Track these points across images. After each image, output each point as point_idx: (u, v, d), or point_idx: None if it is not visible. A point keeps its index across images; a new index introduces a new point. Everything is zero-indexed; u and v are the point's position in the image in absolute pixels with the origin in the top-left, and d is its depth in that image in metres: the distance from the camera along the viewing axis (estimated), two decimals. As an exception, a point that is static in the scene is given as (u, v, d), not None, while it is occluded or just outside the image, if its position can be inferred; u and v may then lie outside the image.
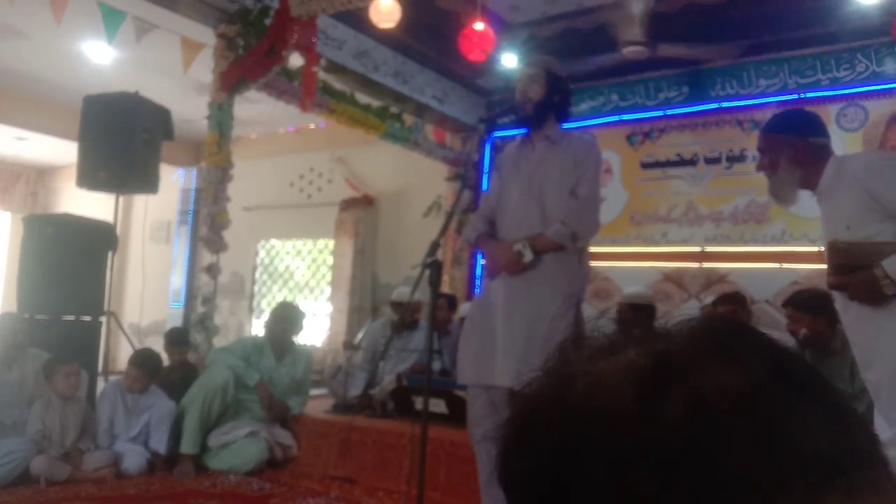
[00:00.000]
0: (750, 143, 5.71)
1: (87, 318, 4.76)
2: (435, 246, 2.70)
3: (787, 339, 3.45)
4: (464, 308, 5.13)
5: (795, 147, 2.38)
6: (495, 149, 6.67)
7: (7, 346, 4.08)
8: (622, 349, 0.44)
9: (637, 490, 0.38)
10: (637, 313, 4.67)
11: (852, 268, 2.23)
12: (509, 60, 5.81)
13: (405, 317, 4.93)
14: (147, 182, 5.09)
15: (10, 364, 4.09)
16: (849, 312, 2.31)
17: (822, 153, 2.39)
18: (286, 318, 4.79)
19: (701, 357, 0.41)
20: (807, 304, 3.54)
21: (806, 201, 2.53)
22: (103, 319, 4.93)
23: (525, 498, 0.44)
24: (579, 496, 0.40)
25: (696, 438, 0.38)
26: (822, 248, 2.42)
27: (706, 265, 5.76)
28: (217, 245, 5.08)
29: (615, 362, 0.43)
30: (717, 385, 0.39)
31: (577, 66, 5.26)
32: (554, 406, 0.43)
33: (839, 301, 2.36)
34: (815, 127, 2.46)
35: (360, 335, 5.52)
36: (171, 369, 4.81)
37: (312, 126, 8.21)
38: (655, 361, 0.42)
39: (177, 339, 5.05)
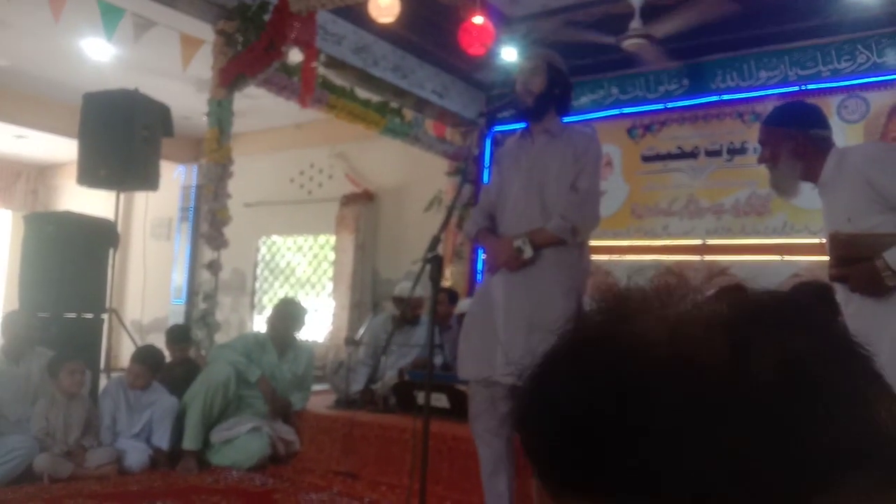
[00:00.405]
0: (751, 135, 5.70)
1: (89, 316, 4.76)
2: (435, 241, 2.69)
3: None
4: (463, 304, 5.12)
5: (796, 139, 2.38)
6: (496, 143, 6.66)
7: (17, 342, 4.11)
8: (684, 299, 0.42)
9: (720, 442, 0.36)
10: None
11: (854, 259, 2.23)
12: (509, 54, 5.80)
13: (406, 312, 4.93)
14: (147, 179, 5.09)
15: (18, 360, 4.11)
16: (850, 305, 2.31)
17: (823, 145, 2.39)
18: (288, 314, 4.79)
19: (789, 319, 0.41)
20: (807, 296, 3.54)
21: (807, 193, 2.53)
22: (105, 317, 4.93)
23: (579, 447, 0.39)
24: (657, 440, 0.37)
25: (789, 398, 0.37)
26: (824, 240, 2.42)
27: (708, 258, 5.76)
28: (218, 241, 5.08)
29: (689, 311, 0.41)
30: (807, 349, 0.39)
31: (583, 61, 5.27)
32: (622, 343, 0.40)
33: (841, 293, 2.36)
34: (815, 119, 2.45)
35: (361, 330, 5.53)
36: (172, 366, 4.81)
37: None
38: (744, 315, 0.40)
39: (178, 335, 5.06)
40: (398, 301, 5.43)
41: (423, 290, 4.66)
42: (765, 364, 0.38)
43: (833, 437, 0.37)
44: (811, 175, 2.40)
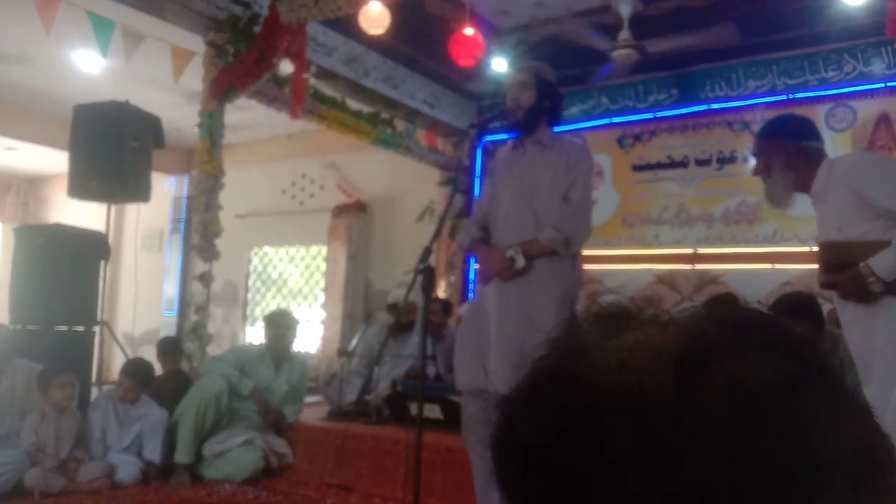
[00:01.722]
0: (740, 144, 5.74)
1: (80, 329, 4.74)
2: (427, 252, 2.70)
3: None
4: (463, 309, 5.13)
5: (788, 151, 2.42)
6: (487, 153, 6.68)
7: None
8: (638, 328, 0.42)
9: (671, 475, 0.36)
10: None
11: (842, 267, 2.26)
12: (499, 64, 5.83)
13: (402, 317, 4.92)
14: (138, 191, 5.08)
15: None
16: (845, 314, 2.34)
17: (815, 157, 2.43)
18: (282, 324, 4.78)
19: (737, 344, 0.40)
20: (791, 308, 3.55)
21: (797, 201, 2.57)
22: (96, 329, 4.90)
23: (533, 476, 0.41)
24: (604, 476, 0.38)
25: (738, 427, 0.36)
26: (815, 249, 2.46)
27: (699, 266, 5.78)
28: (209, 253, 5.07)
29: (640, 340, 0.41)
30: (755, 373, 0.38)
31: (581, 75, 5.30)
32: (573, 378, 0.41)
33: (837, 303, 2.39)
34: (807, 131, 2.50)
35: (354, 341, 5.51)
36: (164, 378, 4.79)
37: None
38: (689, 342, 0.40)
39: (169, 348, 5.03)
40: (392, 308, 5.41)
41: (416, 299, 4.66)
42: (711, 393, 0.37)
43: (785, 463, 0.36)
44: (804, 185, 2.43)
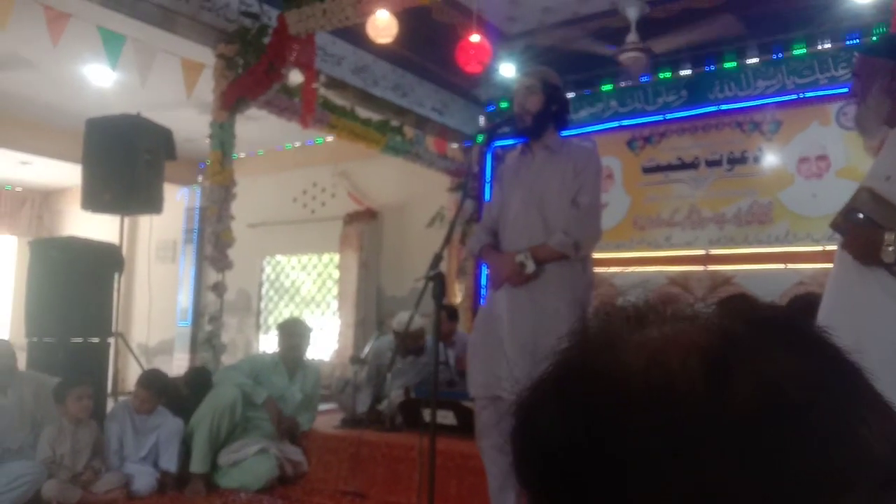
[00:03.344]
0: (750, 144, 5.72)
1: (96, 340, 4.77)
2: (437, 258, 2.71)
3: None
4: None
5: (893, 74, 2.08)
6: (496, 158, 6.69)
7: None
8: (662, 322, 0.42)
9: (700, 473, 0.36)
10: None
11: (865, 221, 1.99)
12: (507, 70, 5.84)
13: (407, 343, 4.87)
14: (151, 202, 5.12)
15: (6, 390, 4.05)
16: (841, 261, 2.06)
17: None
18: (295, 333, 4.79)
19: (765, 342, 0.39)
20: (802, 309, 3.52)
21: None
22: (111, 340, 4.94)
23: (558, 473, 0.40)
24: (635, 473, 0.37)
25: (768, 426, 0.36)
26: (827, 248, 2.23)
27: (711, 268, 5.75)
28: (222, 263, 5.10)
29: (667, 336, 0.41)
30: (785, 371, 0.38)
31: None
32: (600, 375, 0.40)
33: (838, 252, 2.10)
34: None
35: (366, 349, 5.52)
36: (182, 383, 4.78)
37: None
38: (721, 341, 0.39)
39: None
40: (396, 335, 5.35)
41: (422, 319, 4.65)
42: (742, 392, 0.37)
43: (815, 463, 0.36)
44: (895, 119, 2.09)
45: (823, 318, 2.04)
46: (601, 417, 0.39)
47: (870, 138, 2.25)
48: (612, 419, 0.39)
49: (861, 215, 1.99)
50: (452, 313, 5.67)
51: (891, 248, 1.89)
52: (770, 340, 0.40)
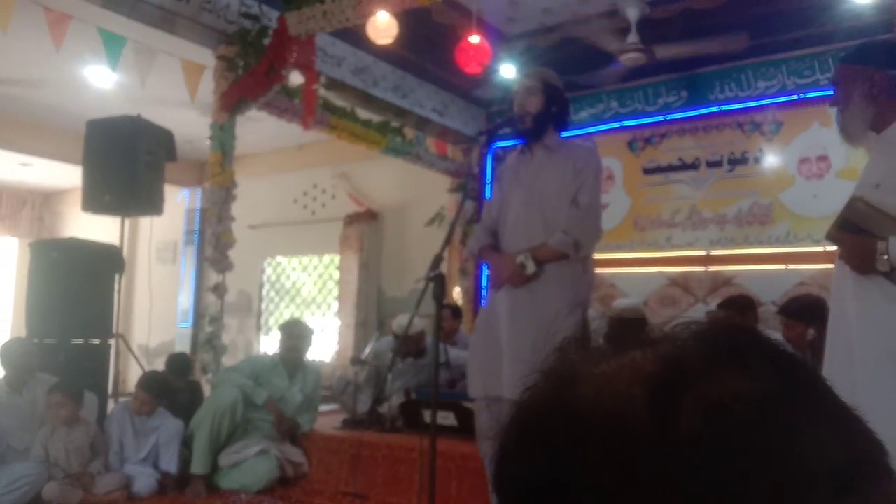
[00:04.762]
0: (751, 145, 5.72)
1: (96, 341, 4.78)
2: (438, 259, 2.71)
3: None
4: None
5: (874, 80, 2.08)
6: (497, 159, 6.69)
7: (15, 371, 4.10)
8: (625, 352, 0.42)
9: (649, 501, 0.36)
10: (628, 327, 4.62)
11: (858, 231, 2.00)
12: (508, 71, 5.83)
13: (408, 346, 4.87)
14: (151, 204, 5.12)
15: (20, 388, 4.10)
16: (841, 273, 2.08)
17: None
18: (296, 334, 4.79)
19: (711, 362, 0.39)
20: (800, 312, 3.52)
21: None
22: (112, 342, 4.94)
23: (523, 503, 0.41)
24: None
25: (714, 448, 0.36)
26: (828, 249, 2.29)
27: (712, 268, 5.75)
28: (223, 265, 5.10)
29: (620, 365, 0.41)
30: (731, 392, 0.37)
31: (580, 79, 5.28)
32: (557, 409, 0.41)
33: (837, 263, 2.11)
34: None
35: (366, 350, 5.52)
36: (178, 391, 4.80)
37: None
38: (665, 366, 0.39)
39: (178, 365, 5.07)
40: (396, 338, 5.35)
41: (423, 321, 4.65)
42: (686, 417, 0.37)
43: (764, 479, 0.36)
44: (879, 123, 2.09)
45: (831, 329, 2.11)
46: (559, 455, 0.39)
47: (855, 144, 2.27)
48: (569, 456, 0.39)
49: (854, 225, 2.01)
50: (456, 311, 5.67)
51: (885, 258, 1.90)
52: (721, 362, 0.39)
